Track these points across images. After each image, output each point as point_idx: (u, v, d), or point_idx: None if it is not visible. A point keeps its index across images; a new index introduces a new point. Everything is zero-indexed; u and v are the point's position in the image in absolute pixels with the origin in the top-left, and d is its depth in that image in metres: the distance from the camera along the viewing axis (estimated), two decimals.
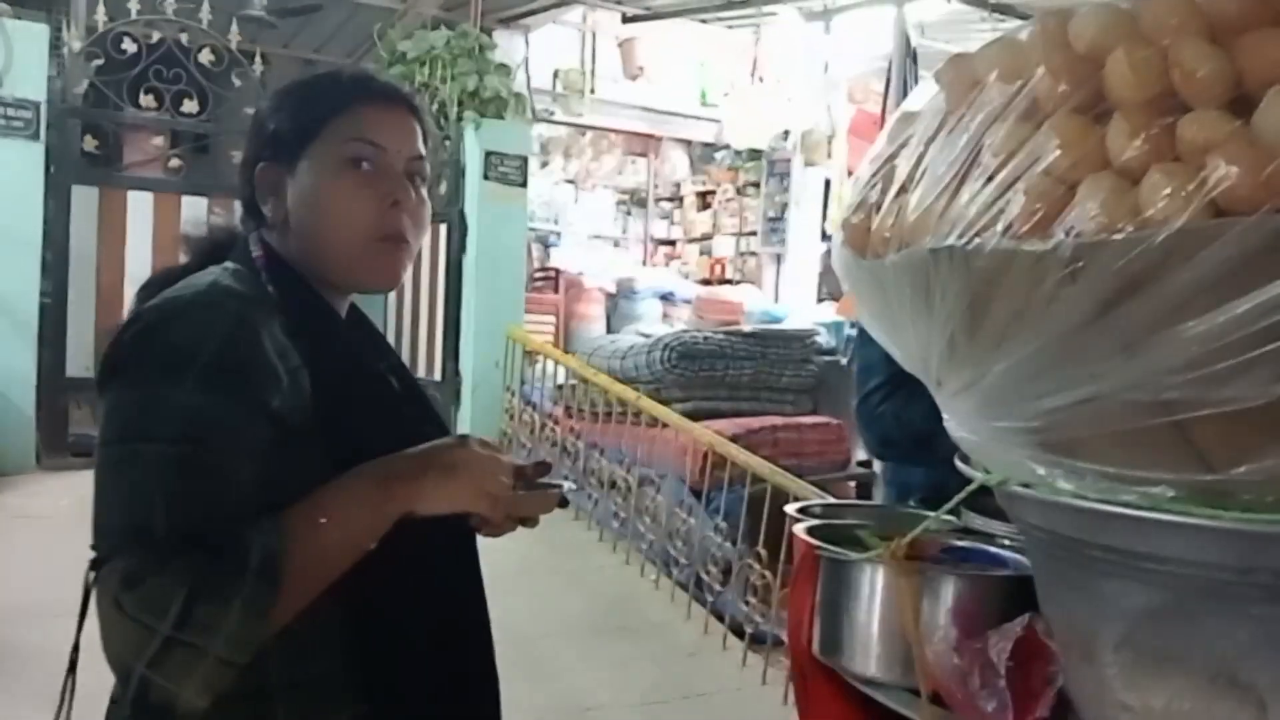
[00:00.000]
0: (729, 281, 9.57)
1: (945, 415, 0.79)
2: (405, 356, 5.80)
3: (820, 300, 8.21)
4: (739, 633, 3.89)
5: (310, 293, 1.06)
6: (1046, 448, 0.70)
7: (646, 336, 5.90)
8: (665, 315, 7.53)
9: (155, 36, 5.44)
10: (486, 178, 6.22)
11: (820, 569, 0.97)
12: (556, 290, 7.49)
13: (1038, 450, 0.70)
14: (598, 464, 5.19)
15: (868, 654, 0.91)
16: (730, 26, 8.08)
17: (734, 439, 4.63)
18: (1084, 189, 0.63)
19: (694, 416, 5.03)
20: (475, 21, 6.31)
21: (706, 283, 9.39)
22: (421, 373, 6.15)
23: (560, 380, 5.81)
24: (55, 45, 5.29)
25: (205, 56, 5.53)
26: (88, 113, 5.52)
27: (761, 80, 8.16)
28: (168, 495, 0.87)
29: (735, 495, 4.26)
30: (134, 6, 5.35)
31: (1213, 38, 0.63)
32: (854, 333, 5.92)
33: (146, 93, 5.47)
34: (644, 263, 10.15)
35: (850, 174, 5.13)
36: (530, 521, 1.20)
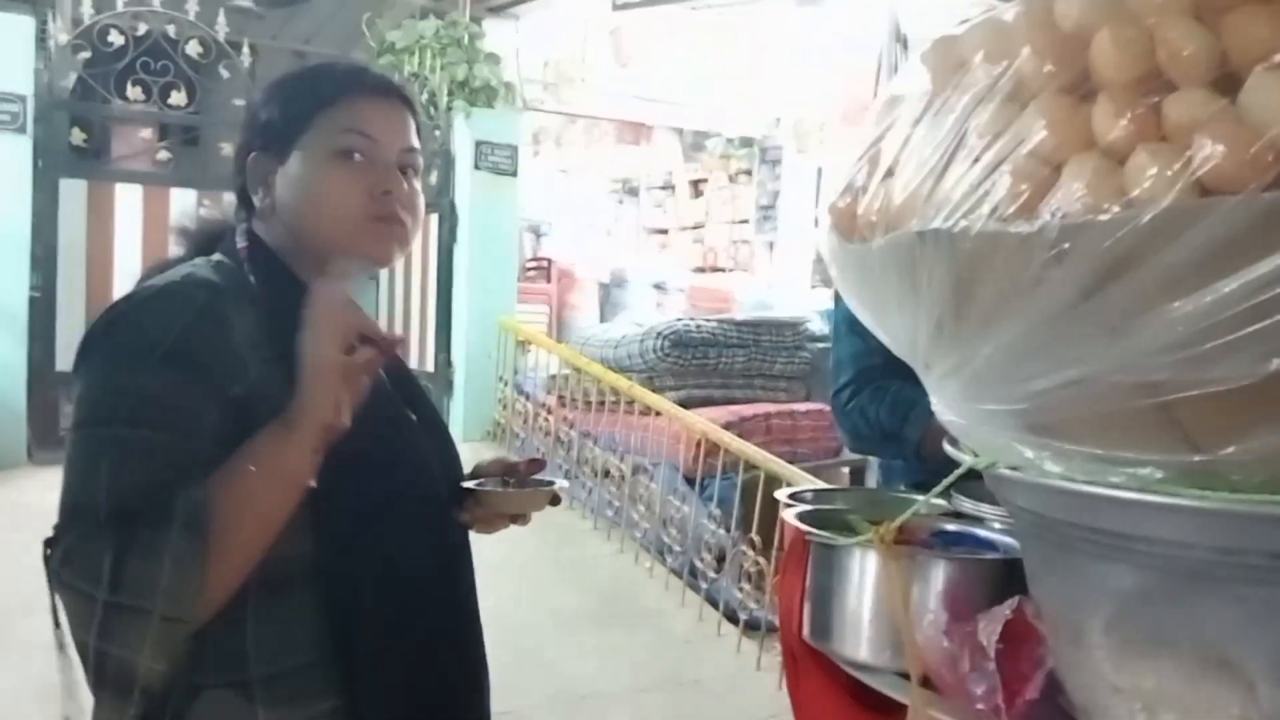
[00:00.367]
0: (721, 269, 9.57)
1: (933, 399, 0.79)
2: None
3: (813, 287, 8.21)
4: (733, 619, 3.90)
5: (294, 283, 1.06)
6: (1034, 430, 0.69)
7: (639, 325, 5.89)
8: (658, 304, 7.53)
9: (142, 29, 5.40)
10: (477, 167, 6.21)
11: (810, 554, 0.97)
12: (549, 280, 7.48)
13: (1025, 433, 0.70)
14: (591, 453, 5.20)
15: (858, 638, 0.91)
16: (721, 13, 8.05)
17: (727, 427, 4.64)
18: (1070, 170, 0.63)
19: (687, 405, 5.04)
20: (464, 10, 6.27)
21: (699, 271, 9.38)
22: (414, 364, 6.13)
23: (553, 370, 5.81)
24: (41, 38, 5.26)
25: (193, 48, 5.50)
26: (75, 106, 5.50)
27: (752, 67, 8.13)
28: (112, 475, 0.88)
29: (729, 482, 4.27)
30: None
31: (1198, 16, 0.63)
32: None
33: (134, 85, 5.44)
34: (636, 251, 10.14)
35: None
36: (521, 519, 1.20)
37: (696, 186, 10.37)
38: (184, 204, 5.37)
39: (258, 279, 1.04)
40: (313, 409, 0.91)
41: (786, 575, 1.04)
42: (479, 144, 6.20)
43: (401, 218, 1.08)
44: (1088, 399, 0.64)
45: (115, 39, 5.31)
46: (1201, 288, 0.56)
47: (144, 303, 0.98)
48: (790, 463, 4.04)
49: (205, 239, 1.13)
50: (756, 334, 5.79)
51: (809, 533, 0.95)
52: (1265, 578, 0.63)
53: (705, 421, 4.52)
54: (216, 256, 1.07)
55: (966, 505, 1.04)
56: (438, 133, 6.14)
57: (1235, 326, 0.56)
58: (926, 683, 0.82)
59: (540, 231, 9.29)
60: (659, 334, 5.49)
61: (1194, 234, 0.56)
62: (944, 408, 0.77)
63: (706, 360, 5.59)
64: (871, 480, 5.61)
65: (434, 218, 6.14)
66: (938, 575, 0.86)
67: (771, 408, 5.61)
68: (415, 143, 1.12)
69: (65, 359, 5.24)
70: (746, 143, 9.37)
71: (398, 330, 6.24)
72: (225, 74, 5.60)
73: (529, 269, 7.69)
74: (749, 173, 9.44)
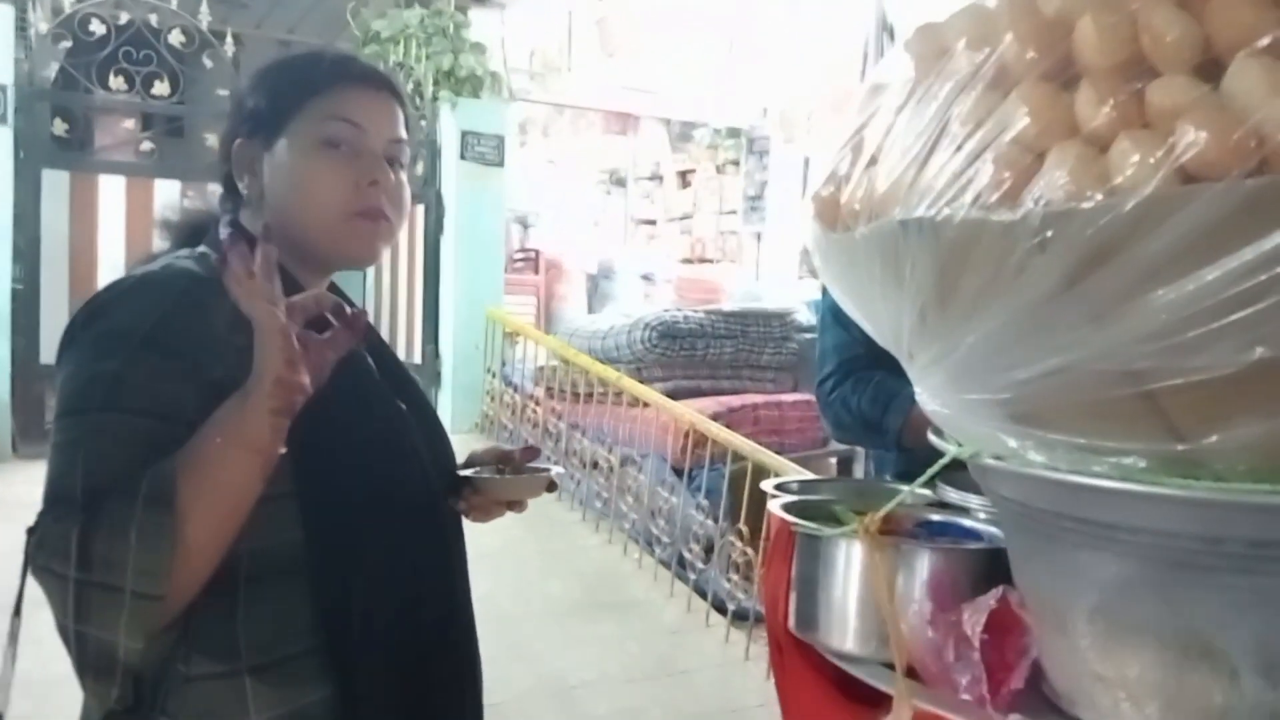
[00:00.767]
0: (709, 260, 9.56)
1: (916, 388, 0.78)
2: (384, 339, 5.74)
3: (801, 278, 8.22)
4: (721, 610, 3.91)
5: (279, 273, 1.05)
6: (1017, 419, 0.69)
7: (627, 316, 5.89)
8: (646, 295, 7.53)
9: (124, 18, 5.36)
10: (463, 157, 6.19)
11: (795, 545, 0.96)
12: (536, 271, 7.47)
13: (1009, 422, 0.70)
14: (579, 444, 5.20)
15: (843, 629, 0.90)
16: (708, 2, 8.03)
17: (715, 417, 4.65)
18: (1052, 157, 0.62)
19: (675, 396, 5.04)
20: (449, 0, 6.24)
21: (687, 262, 9.38)
22: (401, 355, 6.10)
23: (541, 361, 5.81)
24: (21, 27, 5.22)
25: (176, 38, 5.46)
26: (57, 96, 5.46)
27: (740, 57, 8.12)
28: (87, 459, 0.88)
29: (717, 473, 4.28)
30: None
31: (1181, 2, 0.62)
32: None
33: (116, 75, 5.40)
34: (624, 242, 10.12)
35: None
36: (518, 505, 1.20)
37: (684, 177, 10.36)
38: (168, 195, 5.34)
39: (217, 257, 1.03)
40: (264, 372, 0.89)
41: (772, 566, 1.04)
42: (465, 134, 6.17)
43: (386, 212, 1.08)
44: (1071, 388, 0.64)
45: (97, 28, 5.27)
46: (1184, 275, 0.56)
47: (124, 293, 0.98)
48: (778, 453, 4.04)
49: (190, 231, 1.12)
50: (744, 325, 5.79)
51: (794, 523, 0.94)
52: (1248, 566, 0.63)
53: (693, 412, 4.52)
54: (201, 249, 1.07)
55: (951, 495, 1.04)
56: (423, 123, 6.11)
57: (1218, 314, 0.56)
58: (912, 673, 0.82)
59: (527, 222, 9.27)
60: (647, 325, 5.49)
61: (1177, 221, 0.55)
62: (928, 397, 0.77)
63: (694, 351, 5.59)
64: (859, 470, 5.64)
65: (420, 208, 6.12)
66: (922, 565, 0.86)
67: (759, 398, 5.62)
68: (403, 134, 1.12)
69: (49, 352, 5.20)
70: (734, 133, 9.35)
71: (384, 320, 6.25)
72: (209, 63, 5.56)
73: (516, 260, 7.68)
74: (736, 163, 9.43)
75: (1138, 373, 0.61)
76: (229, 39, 5.60)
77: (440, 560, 1.12)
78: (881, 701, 0.85)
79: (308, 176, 1.05)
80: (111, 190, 5.45)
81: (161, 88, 5.48)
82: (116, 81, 5.41)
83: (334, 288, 1.17)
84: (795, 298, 6.70)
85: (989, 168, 0.64)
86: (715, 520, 4.27)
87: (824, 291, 1.88)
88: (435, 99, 6.13)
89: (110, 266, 5.19)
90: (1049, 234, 0.60)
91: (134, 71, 5.41)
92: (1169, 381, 0.59)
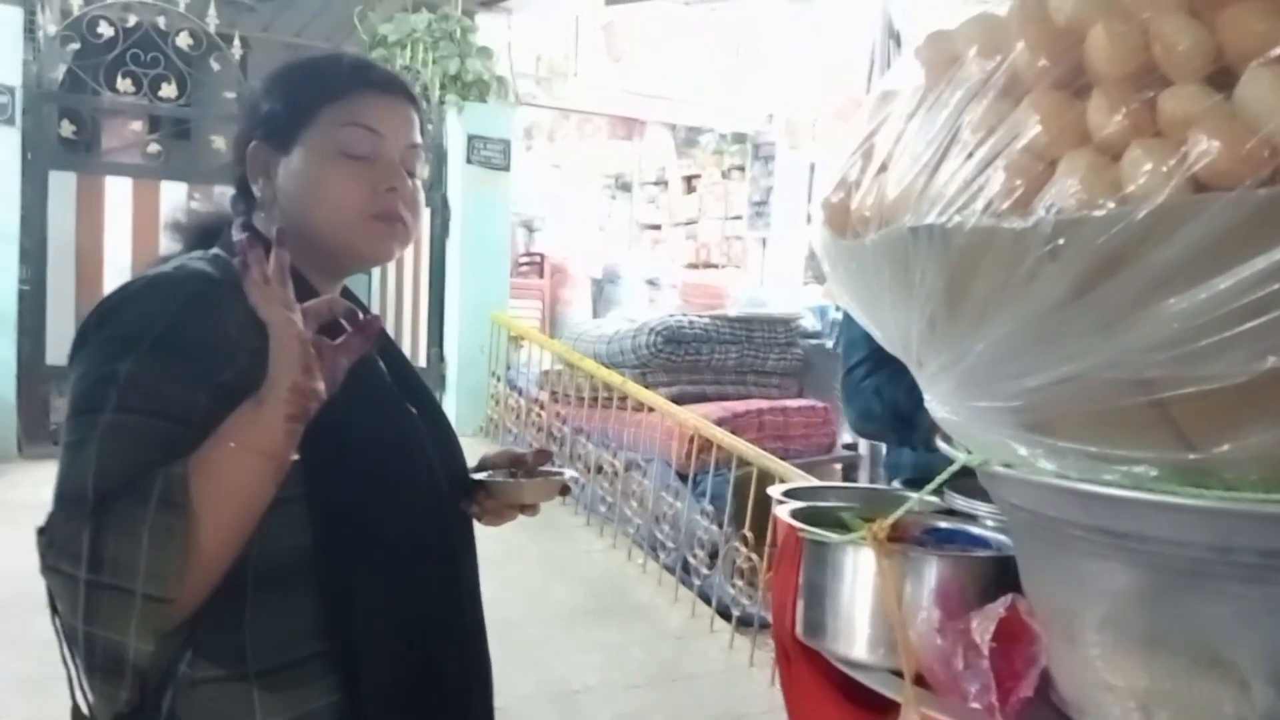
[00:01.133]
0: (714, 265, 9.56)
1: (926, 395, 0.78)
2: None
3: (806, 284, 8.21)
4: (726, 615, 3.90)
5: (293, 276, 1.05)
6: (1027, 427, 0.69)
7: (632, 321, 5.89)
8: (650, 300, 7.53)
9: (132, 20, 5.39)
10: (470, 162, 6.20)
11: (803, 552, 0.96)
12: (541, 275, 7.47)
13: (1019, 430, 0.70)
14: (584, 449, 5.20)
15: (851, 636, 0.90)
16: (714, 9, 8.04)
17: (720, 423, 4.64)
18: (1064, 165, 0.62)
19: (680, 401, 5.04)
20: (456, 4, 6.26)
21: (692, 267, 9.38)
22: None
23: (546, 365, 5.81)
24: (30, 29, 5.24)
25: (183, 40, 5.48)
26: (64, 97, 5.47)
27: (745, 63, 8.13)
28: (99, 460, 0.88)
29: (721, 479, 4.27)
30: None
31: (1193, 11, 0.62)
32: (840, 314, 5.94)
33: (124, 77, 5.42)
34: (629, 247, 10.13)
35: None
36: (530, 509, 1.19)
37: (689, 182, 10.36)
38: (174, 197, 5.35)
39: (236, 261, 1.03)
40: (279, 378, 0.89)
41: (779, 573, 1.04)
42: (471, 138, 6.19)
43: (404, 216, 1.08)
44: (1081, 396, 0.64)
45: (105, 30, 5.28)
46: (1196, 284, 0.56)
47: (135, 294, 0.98)
48: (782, 459, 4.04)
49: (202, 233, 1.12)
50: (749, 330, 5.78)
51: (802, 530, 0.94)
52: (1260, 576, 0.63)
53: (698, 417, 4.52)
54: (214, 250, 1.06)
55: (960, 503, 1.04)
56: (429, 127, 6.12)
57: (1230, 323, 0.55)
58: (920, 680, 0.82)
59: (533, 227, 9.28)
60: (652, 330, 5.49)
61: (1189, 230, 0.55)
62: (937, 404, 0.77)
63: (699, 356, 5.58)
64: (864, 477, 5.63)
65: (426, 212, 6.12)
66: (931, 573, 0.85)
67: (764, 404, 5.61)
68: (419, 139, 1.12)
69: (55, 353, 5.25)
70: (739, 138, 9.36)
71: (389, 323, 6.25)
72: (216, 66, 5.58)
73: (522, 264, 7.68)
74: (742, 168, 9.43)
75: (1149, 381, 0.61)
76: (236, 42, 5.62)
77: (449, 564, 1.12)
78: (889, 709, 0.85)
79: (325, 182, 1.05)
80: (118, 192, 5.46)
81: (169, 90, 5.50)
82: (124, 84, 5.42)
83: (346, 291, 1.17)
84: (800, 303, 6.70)
85: (1000, 175, 0.64)
86: (720, 526, 4.27)
87: None
88: (442, 103, 6.14)
89: (116, 268, 5.21)
90: (1060, 242, 0.60)
91: (141, 74, 5.43)
92: (1180, 390, 0.59)
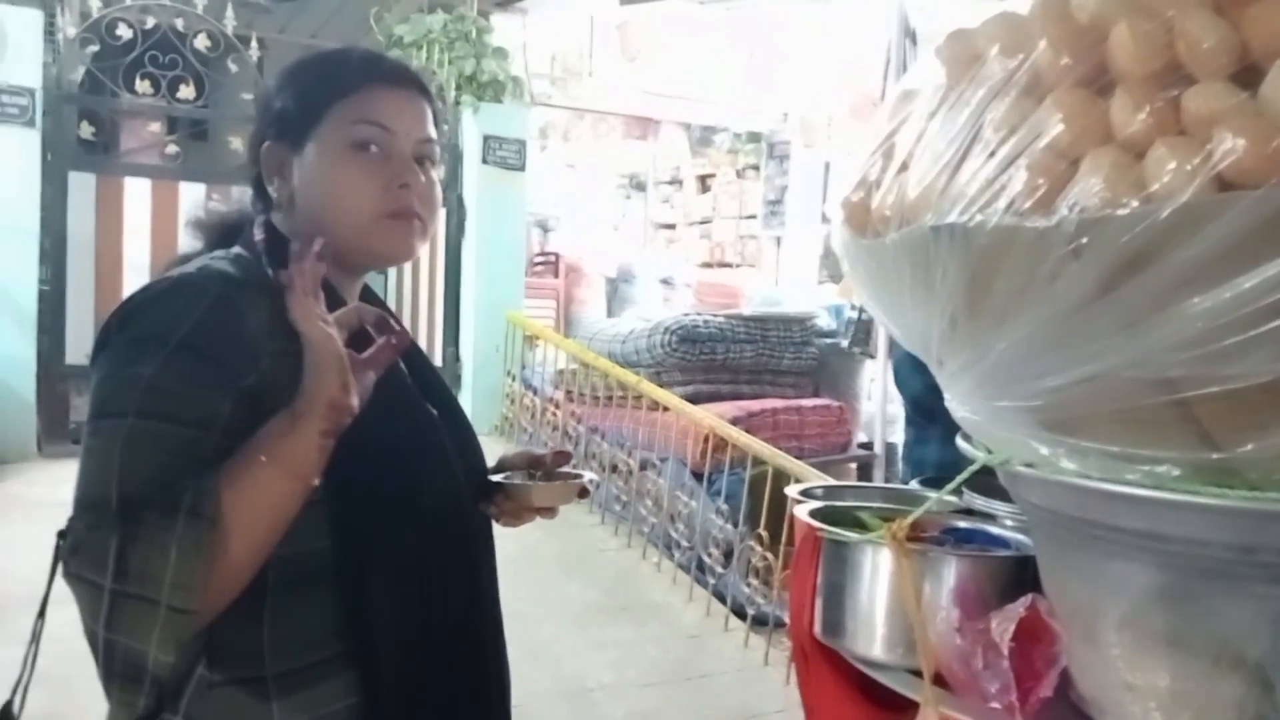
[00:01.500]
0: (729, 265, 9.55)
1: (946, 395, 0.78)
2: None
3: (820, 283, 8.20)
4: (741, 614, 3.90)
5: None
6: (1049, 427, 0.69)
7: (647, 320, 5.89)
8: (665, 299, 7.52)
9: (150, 22, 5.41)
10: (485, 162, 6.21)
11: (822, 551, 0.96)
12: (556, 275, 7.47)
13: (1040, 429, 0.69)
14: (599, 448, 5.20)
15: (869, 635, 0.90)
16: (728, 8, 8.03)
17: (734, 422, 4.64)
18: (1087, 164, 0.62)
19: (694, 400, 5.04)
20: (472, 4, 6.27)
21: (706, 266, 9.37)
22: None
23: (561, 365, 5.81)
24: (50, 31, 5.27)
25: (201, 42, 5.50)
26: (84, 99, 5.51)
27: (760, 62, 8.11)
28: (123, 465, 0.88)
29: (736, 478, 4.27)
30: None
31: (1218, 8, 0.62)
32: (855, 314, 5.93)
33: (142, 79, 5.44)
34: (644, 246, 10.13)
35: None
36: (549, 512, 1.19)
37: (704, 181, 10.35)
38: (192, 198, 5.36)
39: (275, 271, 1.03)
40: (316, 395, 0.89)
41: (797, 572, 1.04)
42: (487, 138, 6.20)
43: (419, 211, 1.07)
44: (1104, 396, 0.64)
45: (124, 32, 5.32)
46: (1220, 284, 0.56)
47: (158, 295, 0.97)
48: (797, 458, 4.03)
49: (223, 231, 1.11)
50: (764, 329, 5.78)
51: (821, 529, 0.94)
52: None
53: (713, 417, 4.51)
54: (235, 250, 1.06)
55: (979, 502, 1.03)
56: (445, 126, 6.12)
57: (1254, 323, 0.55)
58: (939, 680, 0.82)
59: (548, 226, 9.28)
60: (666, 329, 5.49)
61: (1213, 229, 0.55)
62: (957, 404, 0.77)
63: (714, 355, 5.58)
64: (879, 476, 5.62)
65: (442, 212, 6.13)
66: (950, 572, 0.85)
67: (779, 403, 5.60)
68: (432, 133, 1.11)
69: (74, 352, 5.29)
70: (754, 138, 9.35)
71: (404, 322, 6.27)
72: (234, 68, 5.61)
73: (536, 264, 7.69)
74: (756, 168, 9.42)
75: (1171, 381, 0.60)
76: (253, 43, 5.64)
77: (468, 565, 1.11)
78: (907, 708, 0.85)
79: (338, 181, 1.04)
80: (137, 193, 5.50)
81: (187, 91, 5.53)
82: (142, 85, 5.45)
83: (369, 291, 1.17)
84: (815, 302, 6.68)
85: (1023, 174, 0.64)
86: (735, 525, 4.26)
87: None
88: (457, 103, 6.16)
89: (135, 268, 5.24)
90: (1083, 241, 0.60)
91: (160, 75, 5.46)
92: (1203, 390, 0.59)
